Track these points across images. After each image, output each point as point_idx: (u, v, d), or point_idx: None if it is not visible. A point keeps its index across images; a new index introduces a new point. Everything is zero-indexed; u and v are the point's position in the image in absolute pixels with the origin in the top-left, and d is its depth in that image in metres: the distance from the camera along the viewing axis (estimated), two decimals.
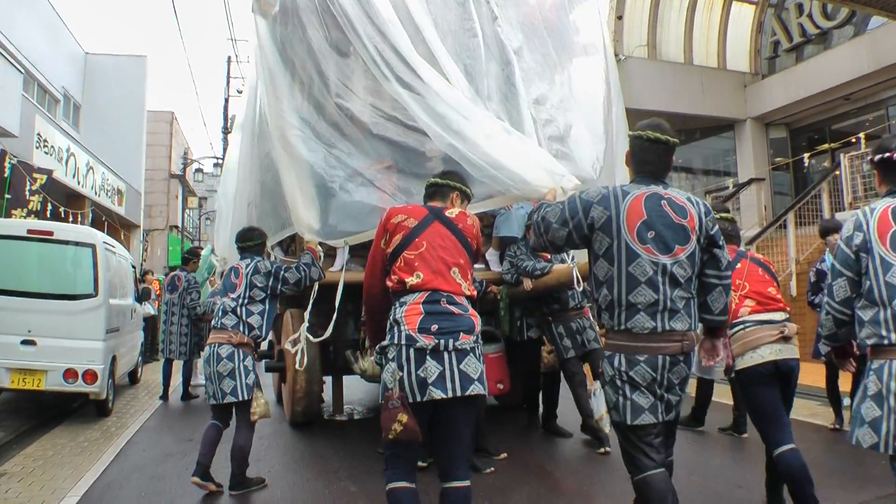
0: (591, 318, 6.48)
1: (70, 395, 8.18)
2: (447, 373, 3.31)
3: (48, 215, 12.71)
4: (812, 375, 8.20)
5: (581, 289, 5.90)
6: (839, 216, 11.62)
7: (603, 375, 3.24)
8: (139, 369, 11.63)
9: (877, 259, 2.96)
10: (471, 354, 3.41)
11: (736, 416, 6.80)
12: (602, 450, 5.94)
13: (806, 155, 16.27)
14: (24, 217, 11.95)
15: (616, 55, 15.99)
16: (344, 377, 7.58)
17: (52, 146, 15.27)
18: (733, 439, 6.70)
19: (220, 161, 26.96)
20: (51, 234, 8.08)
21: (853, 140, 14.93)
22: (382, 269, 3.70)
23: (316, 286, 5.66)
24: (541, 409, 7.11)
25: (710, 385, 7.13)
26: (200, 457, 5.16)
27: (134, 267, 11.45)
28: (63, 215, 14.34)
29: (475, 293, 3.74)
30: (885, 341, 2.89)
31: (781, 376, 4.14)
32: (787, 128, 18.00)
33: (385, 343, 3.48)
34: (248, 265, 5.28)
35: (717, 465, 5.87)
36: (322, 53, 5.83)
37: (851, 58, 14.97)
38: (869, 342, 2.96)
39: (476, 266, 5.33)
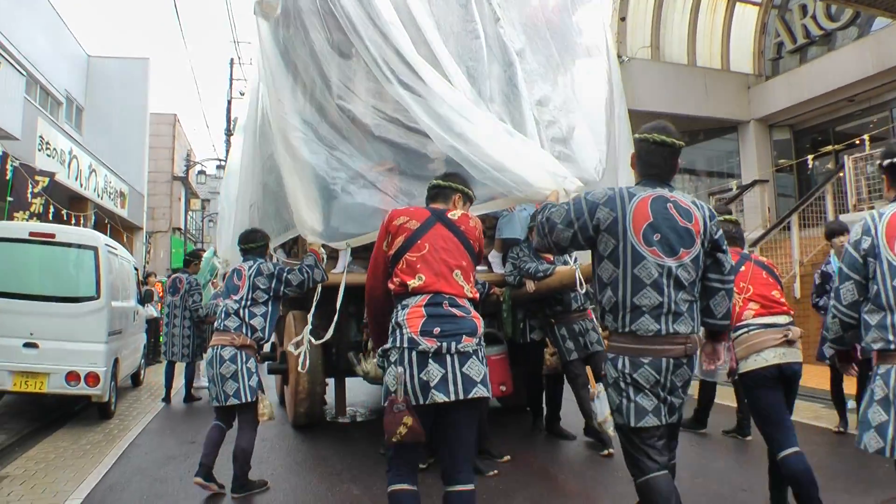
0: (595, 319, 6.47)
1: (72, 397, 8.18)
2: (449, 376, 3.30)
3: (50, 218, 12.70)
4: (816, 378, 8.18)
5: (584, 291, 5.88)
6: (843, 218, 11.58)
7: (606, 377, 3.23)
8: (142, 371, 11.62)
9: (884, 264, 2.95)
10: (473, 357, 3.40)
11: (739, 418, 6.77)
12: (605, 452, 5.93)
13: (810, 157, 16.20)
14: (27, 220, 11.94)
15: (619, 57, 16.01)
16: (346, 379, 7.56)
17: (54, 149, 15.30)
18: (737, 442, 6.67)
19: (222, 163, 27.01)
20: (52, 236, 8.07)
21: (857, 142, 14.88)
22: (384, 271, 3.69)
23: (319, 288, 5.65)
24: (544, 412, 7.09)
25: (713, 387, 7.10)
26: (203, 458, 5.18)
27: (136, 269, 11.44)
28: (65, 218, 14.34)
29: (478, 295, 3.72)
30: (892, 346, 2.88)
31: (785, 380, 4.13)
32: (790, 129, 17.96)
33: (387, 346, 3.47)
34: (250, 267, 5.28)
35: (720, 467, 5.83)
36: (324, 55, 5.82)
37: (855, 59, 14.94)
38: (875, 347, 2.94)
39: (479, 268, 5.32)
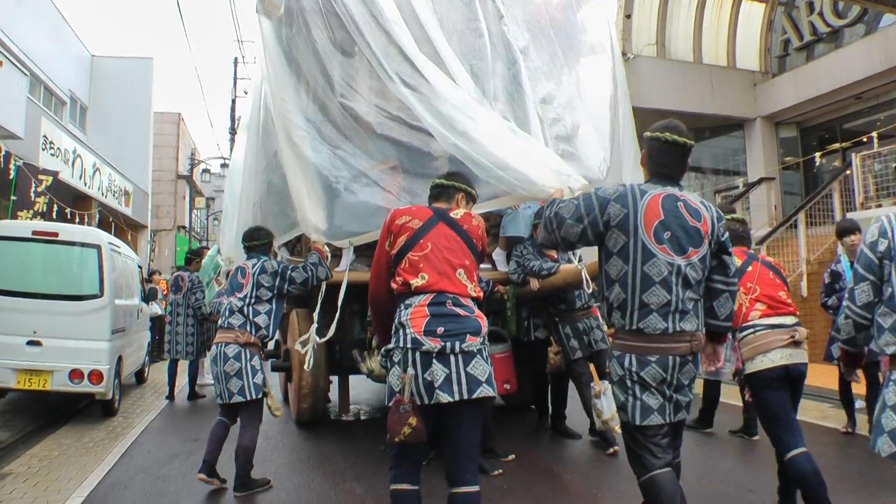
0: (599, 317, 6.43)
1: (76, 395, 8.17)
2: (454, 376, 3.29)
3: (54, 217, 12.71)
4: (823, 377, 8.13)
5: (591, 290, 5.85)
6: (850, 216, 11.50)
7: (610, 375, 3.21)
8: (146, 369, 11.65)
9: None
10: (478, 356, 3.38)
11: (746, 418, 6.73)
12: (610, 450, 5.91)
13: (817, 154, 16.14)
14: (31, 218, 11.95)
15: (625, 54, 15.93)
16: (350, 377, 7.54)
17: (58, 148, 15.32)
18: (744, 442, 6.62)
19: (227, 161, 26.98)
20: (56, 235, 8.08)
21: (865, 139, 14.80)
22: (387, 271, 3.67)
23: (323, 286, 5.64)
24: (549, 410, 7.06)
25: (717, 386, 7.06)
26: (207, 454, 5.20)
27: (140, 267, 11.45)
28: (70, 216, 14.37)
29: (481, 294, 3.70)
30: None
31: (791, 381, 4.11)
32: (797, 127, 17.86)
33: (390, 346, 3.45)
34: (254, 265, 5.27)
35: (727, 468, 5.79)
36: (326, 54, 5.80)
37: (863, 56, 14.84)
38: (889, 350, 2.90)
39: (483, 266, 5.31)
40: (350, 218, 5.57)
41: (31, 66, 16.56)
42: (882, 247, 2.99)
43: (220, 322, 5.28)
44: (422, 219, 3.61)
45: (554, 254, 6.29)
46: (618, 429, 3.12)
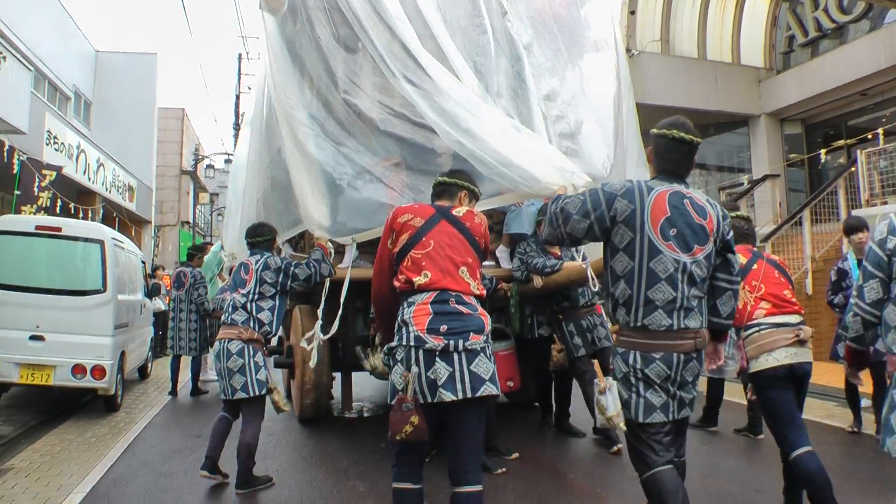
0: (603, 315, 6.42)
1: (79, 390, 8.17)
2: (457, 374, 3.29)
3: (58, 211, 12.72)
4: (828, 376, 8.11)
5: (597, 289, 5.83)
6: (856, 213, 11.46)
7: (614, 372, 3.21)
8: (149, 364, 11.65)
9: None
10: (481, 354, 3.38)
11: (751, 416, 6.69)
12: (614, 448, 5.88)
13: (822, 151, 16.03)
14: (34, 213, 11.96)
15: (629, 50, 15.90)
16: (353, 374, 7.53)
17: (62, 143, 15.33)
18: (749, 441, 6.59)
19: (230, 157, 26.99)
20: (59, 230, 8.08)
21: (870, 136, 14.71)
22: (390, 269, 3.67)
23: (327, 283, 5.62)
24: (553, 408, 7.04)
25: (721, 384, 7.04)
26: (209, 450, 5.21)
27: (143, 262, 11.45)
28: (73, 211, 14.37)
29: (484, 292, 3.69)
30: None
31: (796, 379, 4.09)
32: (802, 123, 17.80)
33: (393, 344, 3.43)
34: (258, 261, 5.26)
35: (732, 467, 5.77)
36: (330, 50, 5.78)
37: (868, 52, 14.77)
38: None
39: (486, 263, 5.28)
40: (353, 214, 5.56)
41: (36, 62, 16.58)
42: (891, 244, 2.99)
43: (223, 318, 5.28)
44: (424, 216, 3.60)
45: (557, 251, 6.28)
46: (622, 425, 3.11)
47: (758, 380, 4.12)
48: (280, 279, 5.22)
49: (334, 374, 7.43)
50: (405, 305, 3.46)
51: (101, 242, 8.21)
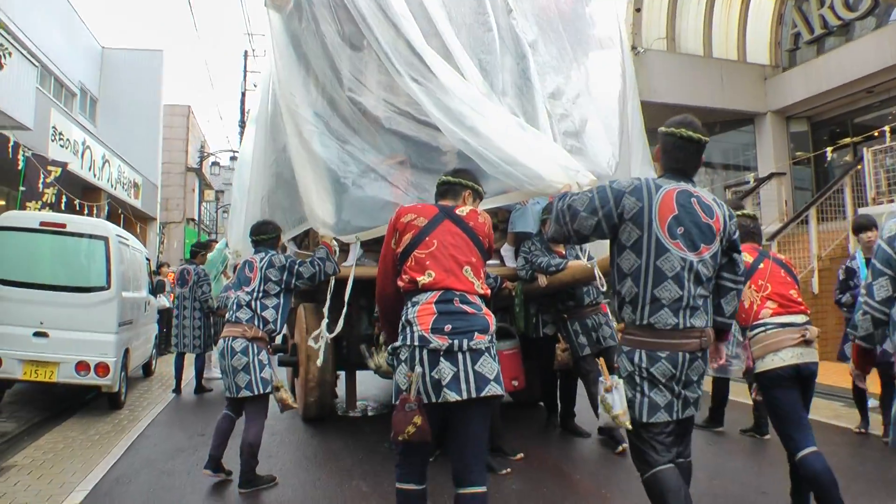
0: (609, 314, 6.39)
1: (82, 387, 8.18)
2: (461, 374, 3.27)
3: (63, 208, 12.71)
4: (835, 376, 8.07)
5: (605, 288, 5.80)
6: (862, 211, 11.40)
7: (618, 370, 3.20)
8: (153, 362, 11.65)
9: None
10: (486, 354, 3.36)
11: (756, 416, 6.65)
12: (619, 449, 5.85)
13: (828, 149, 15.96)
14: (39, 209, 11.96)
15: (635, 48, 15.86)
16: (357, 373, 7.51)
17: (67, 139, 15.34)
18: (755, 441, 6.55)
19: (236, 154, 27.01)
20: (63, 226, 8.08)
21: (876, 134, 14.65)
22: (394, 269, 3.65)
23: (332, 281, 5.60)
24: (558, 408, 7.01)
25: (726, 384, 7.00)
26: (212, 449, 5.21)
27: (148, 259, 11.44)
28: (79, 208, 14.37)
29: (489, 292, 3.67)
30: None
31: (802, 380, 4.06)
32: (808, 121, 17.72)
33: (397, 344, 3.41)
34: (262, 259, 5.24)
35: (738, 468, 5.73)
36: (335, 48, 5.77)
37: (874, 50, 14.69)
38: None
39: (491, 262, 5.26)
40: (358, 213, 5.54)
41: (42, 58, 16.59)
42: None
43: (227, 316, 5.26)
44: (427, 216, 3.58)
45: (562, 250, 6.25)
46: (628, 424, 3.10)
47: (763, 380, 4.09)
48: (284, 277, 5.20)
49: (338, 372, 7.41)
50: (409, 305, 3.45)
51: (106, 239, 8.21)
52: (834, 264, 12.22)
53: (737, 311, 3.33)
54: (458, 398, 3.23)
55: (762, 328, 4.10)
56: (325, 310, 5.65)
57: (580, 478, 5.39)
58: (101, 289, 7.98)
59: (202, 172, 31.47)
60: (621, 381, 3.13)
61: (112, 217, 16.63)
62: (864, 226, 6.47)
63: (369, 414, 8.00)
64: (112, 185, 18.65)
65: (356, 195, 5.56)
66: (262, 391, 5.02)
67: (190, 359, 9.91)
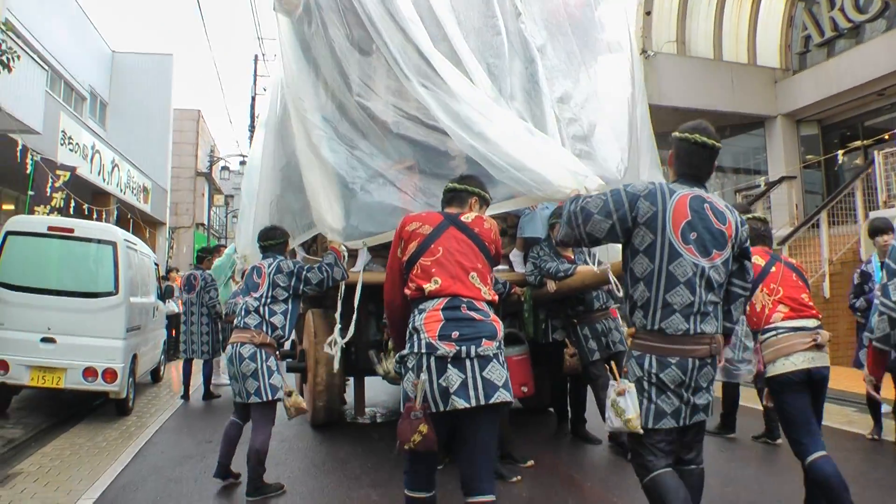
0: (618, 318, 6.35)
1: (90, 393, 8.14)
2: (469, 381, 3.25)
3: (72, 212, 12.74)
4: (847, 381, 7.99)
5: (621, 294, 5.75)
6: (873, 215, 11.31)
7: (627, 375, 3.18)
8: (162, 367, 11.63)
9: None
10: (494, 361, 3.35)
11: (767, 421, 6.59)
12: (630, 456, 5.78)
13: (840, 152, 15.87)
14: (48, 214, 11.97)
15: (644, 51, 15.80)
16: (366, 379, 7.48)
17: (77, 143, 15.36)
18: (768, 447, 6.48)
19: (246, 159, 27.08)
20: (71, 231, 8.07)
21: (887, 137, 14.56)
22: (401, 278, 3.64)
23: (342, 287, 5.58)
24: (569, 414, 6.96)
25: (736, 389, 6.94)
26: (221, 457, 5.22)
27: (157, 264, 11.44)
28: (88, 212, 14.39)
29: (496, 298, 3.64)
30: None
31: (813, 384, 4.03)
32: (818, 124, 17.62)
33: (404, 352, 3.39)
34: (270, 264, 5.22)
35: (751, 474, 5.66)
36: (344, 52, 5.77)
37: (885, 52, 14.58)
38: None
39: (500, 267, 5.23)
40: (366, 218, 5.52)
41: (52, 61, 16.65)
42: None
43: (235, 322, 5.24)
44: (432, 224, 3.57)
45: (570, 254, 6.21)
46: (640, 428, 3.06)
47: (774, 384, 4.07)
48: (293, 283, 5.18)
49: (347, 378, 7.37)
50: (416, 312, 3.42)
51: (114, 244, 8.20)
52: (845, 268, 12.14)
53: (741, 315, 3.32)
54: (467, 405, 3.21)
55: (774, 332, 4.07)
56: (338, 315, 5.62)
57: (591, 485, 5.34)
58: (109, 294, 7.97)
59: (212, 177, 31.54)
60: (633, 385, 3.10)
61: (121, 222, 16.68)
62: (880, 229, 6.41)
63: (378, 420, 7.96)
64: (121, 190, 18.69)
65: (364, 200, 5.54)
66: (270, 398, 4.99)
67: (198, 364, 9.90)
